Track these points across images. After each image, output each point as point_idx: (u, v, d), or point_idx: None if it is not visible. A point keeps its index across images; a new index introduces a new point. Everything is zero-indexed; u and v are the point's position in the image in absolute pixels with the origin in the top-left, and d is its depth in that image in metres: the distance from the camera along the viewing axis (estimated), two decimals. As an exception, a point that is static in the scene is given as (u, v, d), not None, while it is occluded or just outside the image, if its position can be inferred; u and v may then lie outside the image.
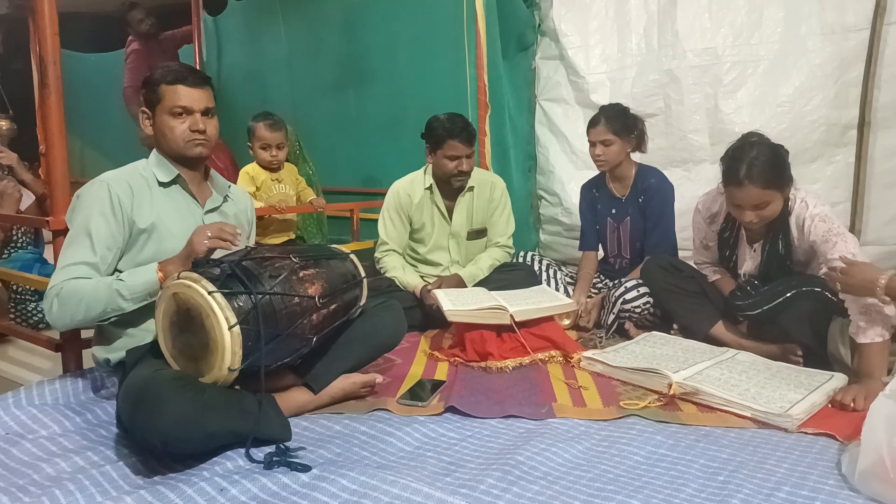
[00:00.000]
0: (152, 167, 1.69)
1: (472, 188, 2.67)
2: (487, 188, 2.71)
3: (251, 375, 1.45)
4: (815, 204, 1.95)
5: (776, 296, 2.01)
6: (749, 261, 2.16)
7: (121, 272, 1.60)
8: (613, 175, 2.66)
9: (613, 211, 2.68)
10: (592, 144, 2.56)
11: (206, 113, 1.68)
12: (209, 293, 1.37)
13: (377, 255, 2.70)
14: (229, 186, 1.84)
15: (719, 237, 2.23)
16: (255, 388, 1.47)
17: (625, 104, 2.64)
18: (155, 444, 1.30)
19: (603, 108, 2.61)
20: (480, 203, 2.70)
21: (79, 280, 1.53)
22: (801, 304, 1.96)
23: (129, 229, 1.60)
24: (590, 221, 2.79)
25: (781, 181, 1.91)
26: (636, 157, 2.67)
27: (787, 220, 1.99)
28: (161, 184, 1.67)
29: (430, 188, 2.65)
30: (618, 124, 2.52)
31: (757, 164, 1.88)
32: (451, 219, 2.68)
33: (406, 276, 2.60)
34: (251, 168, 3.02)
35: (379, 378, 1.80)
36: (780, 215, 1.97)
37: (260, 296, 1.44)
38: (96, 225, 1.56)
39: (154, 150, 1.71)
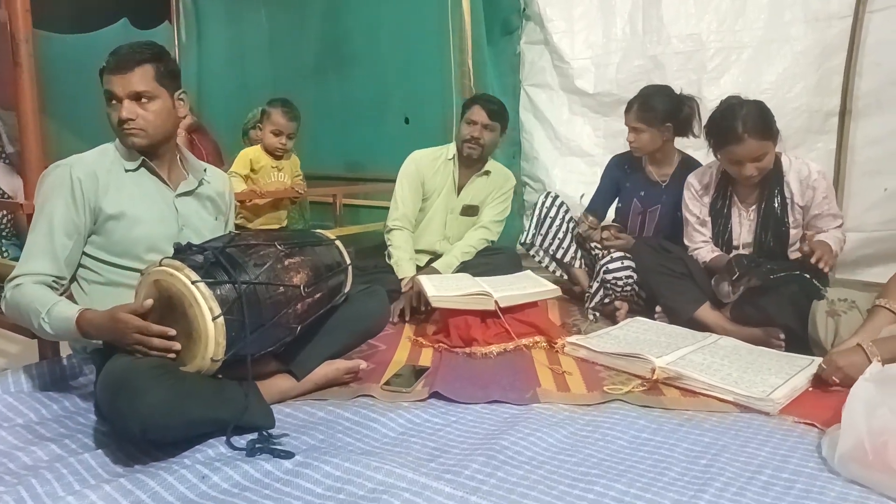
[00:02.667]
0: (119, 152, 1.63)
1: (488, 172, 2.73)
2: (502, 177, 2.79)
3: (234, 363, 1.43)
4: (813, 163, 2.17)
5: (771, 271, 2.04)
6: (744, 226, 2.22)
7: (92, 258, 1.58)
8: (653, 157, 2.57)
9: (642, 193, 2.60)
10: (628, 129, 2.50)
11: (137, 98, 1.53)
12: (193, 283, 1.34)
13: (388, 222, 2.69)
14: (205, 169, 1.78)
15: (711, 208, 2.28)
16: (238, 376, 1.45)
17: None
18: (134, 432, 1.28)
19: (641, 92, 2.50)
20: (491, 189, 2.76)
21: (29, 287, 1.48)
22: (786, 288, 2.00)
23: (92, 216, 1.55)
24: (605, 191, 2.71)
25: (773, 132, 2.06)
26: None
27: (781, 176, 2.14)
28: (127, 170, 1.61)
29: (452, 159, 2.70)
30: (650, 113, 2.42)
31: (750, 118, 2.02)
32: (458, 194, 2.73)
33: (403, 262, 2.58)
34: (253, 151, 2.97)
35: (363, 364, 1.78)
36: (774, 172, 2.13)
37: (244, 285, 1.42)
38: (56, 211, 1.52)
39: None
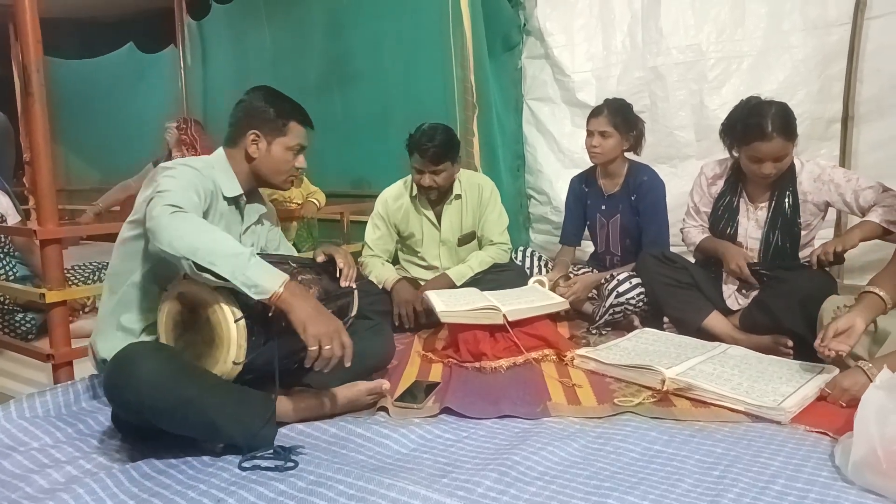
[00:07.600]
0: (221, 178, 1.70)
1: (459, 196, 2.65)
2: (476, 192, 2.68)
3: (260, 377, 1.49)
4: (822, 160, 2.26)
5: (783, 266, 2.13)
6: (752, 223, 2.23)
7: (142, 262, 1.61)
8: (605, 171, 2.63)
9: (603, 207, 2.67)
10: (590, 134, 2.53)
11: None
12: (215, 288, 1.41)
13: (361, 258, 2.71)
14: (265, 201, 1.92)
15: (716, 201, 2.32)
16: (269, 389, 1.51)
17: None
18: (132, 403, 1.33)
19: (607, 101, 2.58)
20: (470, 209, 2.68)
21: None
22: (798, 289, 2.00)
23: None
24: (574, 215, 2.78)
25: (795, 134, 2.07)
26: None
27: (794, 177, 2.16)
28: (226, 196, 1.70)
29: (415, 197, 2.65)
30: (619, 118, 2.50)
31: (779, 117, 2.03)
32: (440, 225, 2.68)
33: (381, 270, 2.61)
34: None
35: (386, 385, 1.76)
36: (787, 173, 2.14)
37: None
38: (190, 183, 1.56)
39: (228, 164, 1.74)
